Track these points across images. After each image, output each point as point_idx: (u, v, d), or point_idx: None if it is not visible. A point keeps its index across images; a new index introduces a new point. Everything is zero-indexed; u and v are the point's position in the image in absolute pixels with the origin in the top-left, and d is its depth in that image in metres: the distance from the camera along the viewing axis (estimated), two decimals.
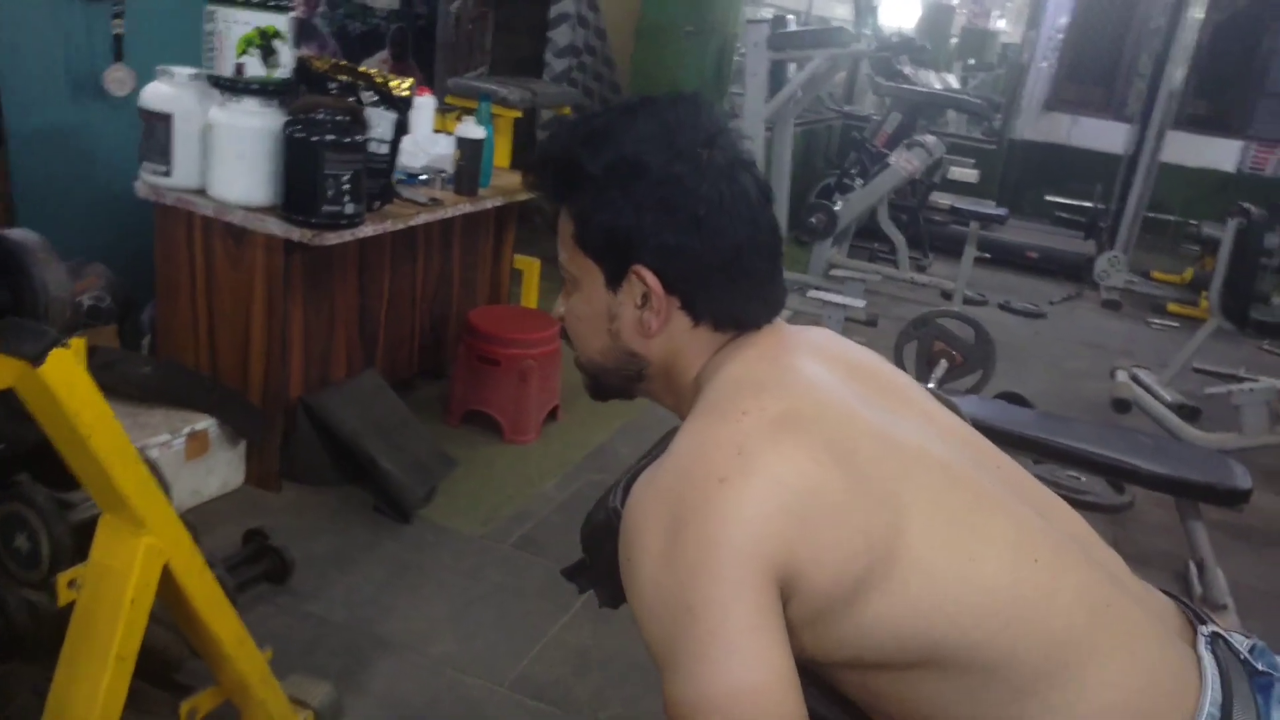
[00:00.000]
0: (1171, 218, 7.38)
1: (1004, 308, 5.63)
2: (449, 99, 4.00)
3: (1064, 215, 7.53)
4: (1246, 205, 4.09)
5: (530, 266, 3.71)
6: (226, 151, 2.32)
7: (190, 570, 1.35)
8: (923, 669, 0.77)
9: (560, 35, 5.29)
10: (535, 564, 2.40)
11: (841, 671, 0.82)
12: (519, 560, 2.42)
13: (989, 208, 5.63)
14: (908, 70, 6.67)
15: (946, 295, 5.58)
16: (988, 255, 5.90)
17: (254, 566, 2.13)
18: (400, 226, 2.55)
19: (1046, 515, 0.86)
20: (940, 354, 3.10)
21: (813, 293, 4.48)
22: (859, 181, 5.71)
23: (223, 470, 2.48)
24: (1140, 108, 6.59)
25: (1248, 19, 7.85)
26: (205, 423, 2.41)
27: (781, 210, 4.84)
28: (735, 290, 0.88)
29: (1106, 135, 7.92)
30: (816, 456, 0.76)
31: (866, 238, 6.19)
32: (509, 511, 2.62)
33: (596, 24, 5.34)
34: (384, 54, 4.46)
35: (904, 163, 5.14)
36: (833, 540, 0.74)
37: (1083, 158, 7.99)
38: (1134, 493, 3.21)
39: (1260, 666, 0.82)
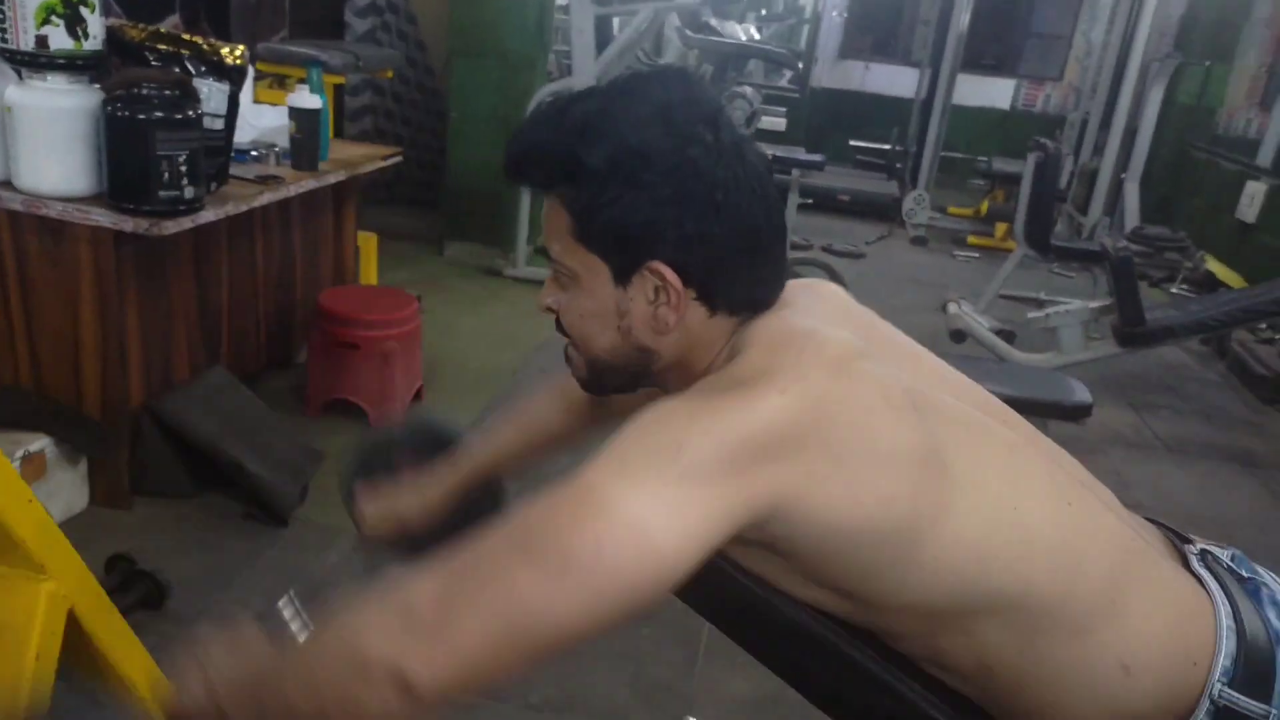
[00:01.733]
0: (959, 155, 7.89)
1: (827, 250, 5.88)
2: (260, 65, 3.70)
3: (866, 159, 7.91)
4: (1044, 140, 4.43)
5: (367, 242, 3.53)
6: (33, 136, 2.04)
7: (98, 613, 1.20)
8: (985, 616, 0.79)
9: None
10: None
11: (906, 622, 0.82)
12: None
13: (806, 155, 5.82)
14: (714, 23, 6.77)
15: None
16: (810, 201, 6.12)
17: (125, 596, 1.93)
18: (244, 209, 2.34)
19: (1059, 463, 0.89)
20: None
21: None
22: None
23: (65, 493, 2.23)
24: (929, 53, 7.00)
25: None
26: (39, 443, 2.14)
27: None
28: (753, 273, 0.84)
29: (898, 80, 8.37)
30: (869, 402, 0.76)
31: None
32: None
33: None
34: (174, 19, 4.06)
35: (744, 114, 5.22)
36: (871, 479, 0.74)
37: (878, 103, 8.42)
38: None
39: (1244, 574, 0.89)
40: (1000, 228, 6.47)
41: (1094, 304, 3.70)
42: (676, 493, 0.68)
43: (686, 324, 0.84)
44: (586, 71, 4.13)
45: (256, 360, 2.88)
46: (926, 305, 4.70)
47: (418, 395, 3.03)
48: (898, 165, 7.45)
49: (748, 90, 5.42)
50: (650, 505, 0.68)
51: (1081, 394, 2.71)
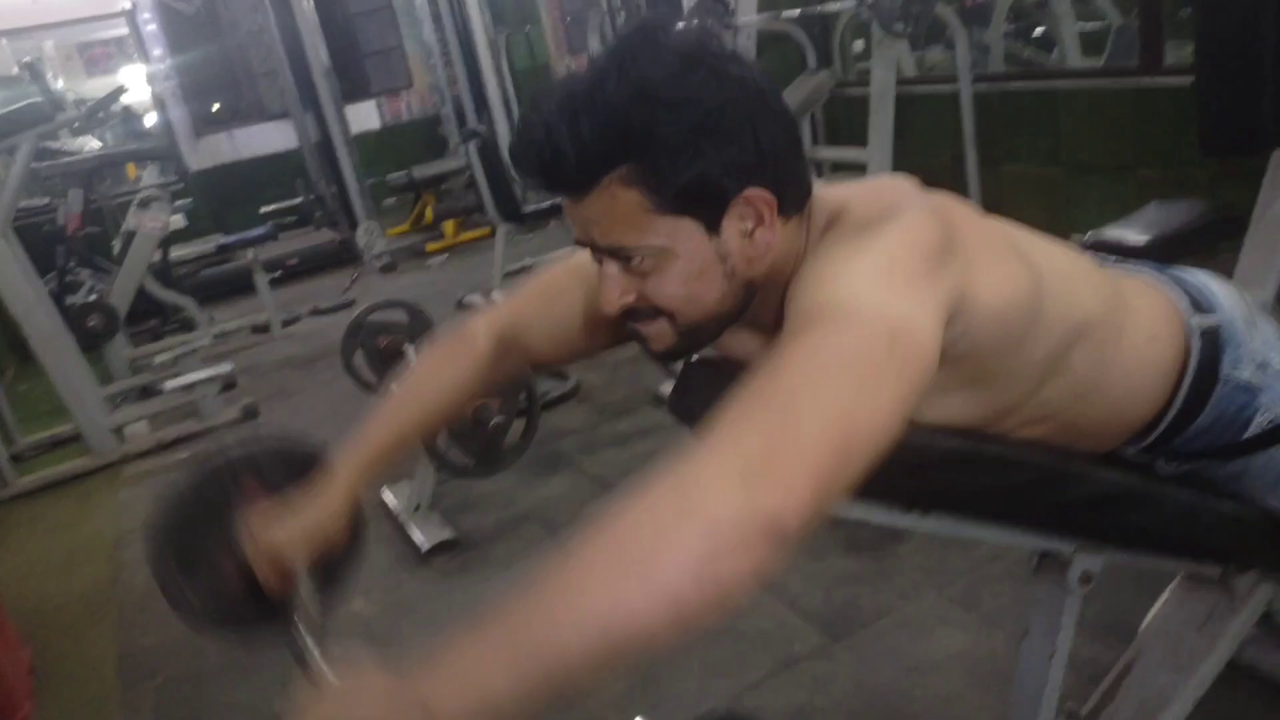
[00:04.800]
0: (370, 181, 8.00)
1: (317, 312, 5.67)
2: None
3: (286, 220, 7.67)
4: (475, 129, 4.75)
5: None
6: None
7: None
8: (1076, 346, 0.97)
9: None
10: None
11: (1024, 389, 0.97)
12: None
13: (255, 231, 5.52)
14: (57, 145, 5.98)
15: (260, 329, 5.41)
16: (277, 274, 5.82)
17: None
18: None
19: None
20: (393, 346, 3.09)
21: (169, 384, 3.99)
22: (85, 272, 5.07)
23: None
24: (295, 101, 6.93)
25: None
26: None
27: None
28: (804, 163, 0.90)
29: (270, 137, 8.19)
30: (963, 209, 0.90)
31: (136, 321, 5.57)
32: None
33: None
34: None
35: (152, 222, 4.71)
36: (1002, 265, 0.89)
37: (263, 164, 8.16)
38: (575, 375, 3.69)
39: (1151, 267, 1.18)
40: (449, 225, 6.78)
41: None
42: (914, 293, 0.77)
43: (777, 240, 0.88)
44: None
45: None
46: (445, 312, 4.81)
47: None
48: (318, 214, 7.37)
49: (152, 192, 4.88)
50: (907, 306, 0.76)
51: None
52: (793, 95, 4.47)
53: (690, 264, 0.86)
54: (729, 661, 2.05)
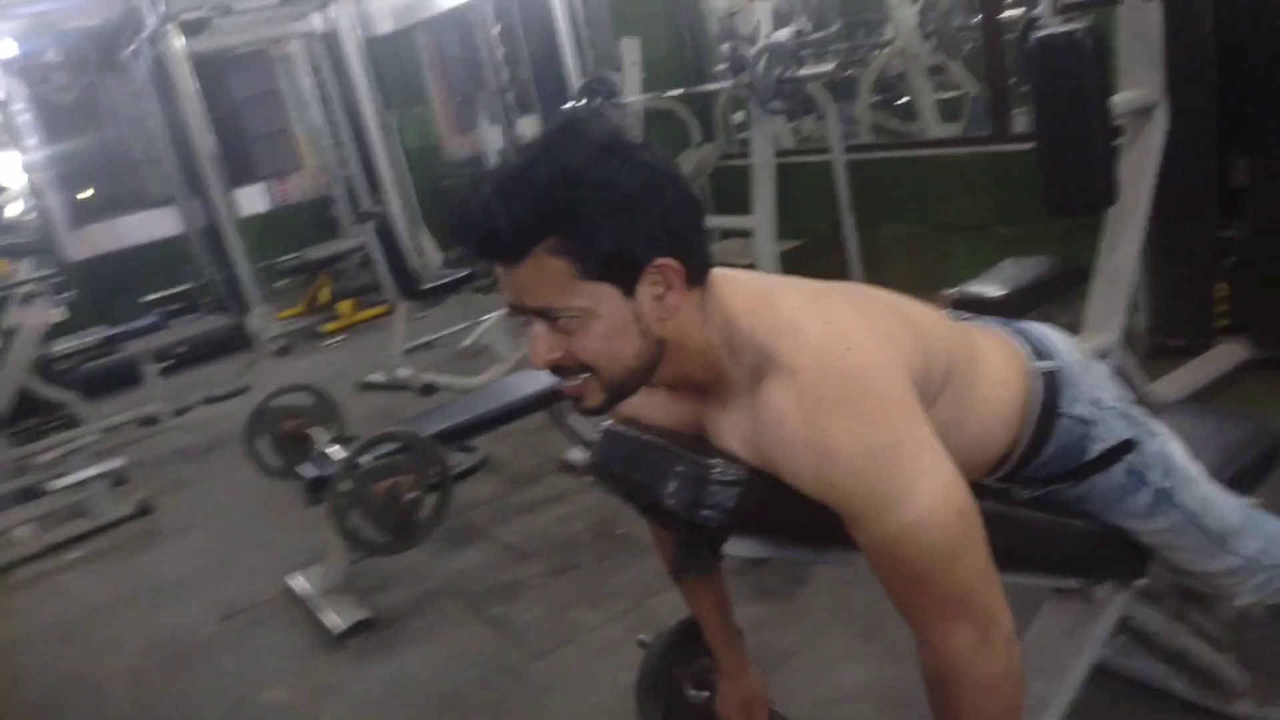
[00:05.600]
0: (260, 264, 7.90)
1: (211, 400, 5.55)
2: None
3: (172, 307, 7.50)
4: (371, 209, 4.82)
5: None
6: None
7: None
8: (944, 388, 1.11)
9: None
10: None
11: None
12: None
13: (143, 320, 5.42)
14: None
15: (149, 422, 5.27)
16: (170, 363, 5.69)
17: None
18: None
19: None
20: (298, 429, 3.09)
21: (56, 483, 3.87)
22: None
23: None
24: (178, 187, 6.85)
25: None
26: None
27: None
28: (705, 238, 1.03)
29: (154, 224, 8.04)
30: (873, 318, 1.06)
31: (15, 420, 5.35)
32: None
33: None
34: None
35: (36, 317, 4.60)
36: (920, 361, 1.05)
37: (147, 251, 8.00)
38: (480, 448, 3.73)
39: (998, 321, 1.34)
40: (346, 305, 6.77)
41: (504, 310, 4.21)
42: (926, 448, 0.98)
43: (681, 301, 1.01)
44: None
45: None
46: (347, 392, 4.78)
47: None
48: (206, 300, 7.23)
49: (35, 285, 4.75)
50: (940, 472, 0.97)
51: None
52: (681, 167, 4.70)
53: (610, 323, 0.97)
54: None
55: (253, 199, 8.51)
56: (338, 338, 6.51)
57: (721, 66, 5.36)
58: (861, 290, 1.13)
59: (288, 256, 6.99)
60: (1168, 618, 1.62)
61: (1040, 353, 1.25)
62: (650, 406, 1.16)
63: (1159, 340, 3.18)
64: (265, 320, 6.33)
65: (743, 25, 5.47)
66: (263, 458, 3.18)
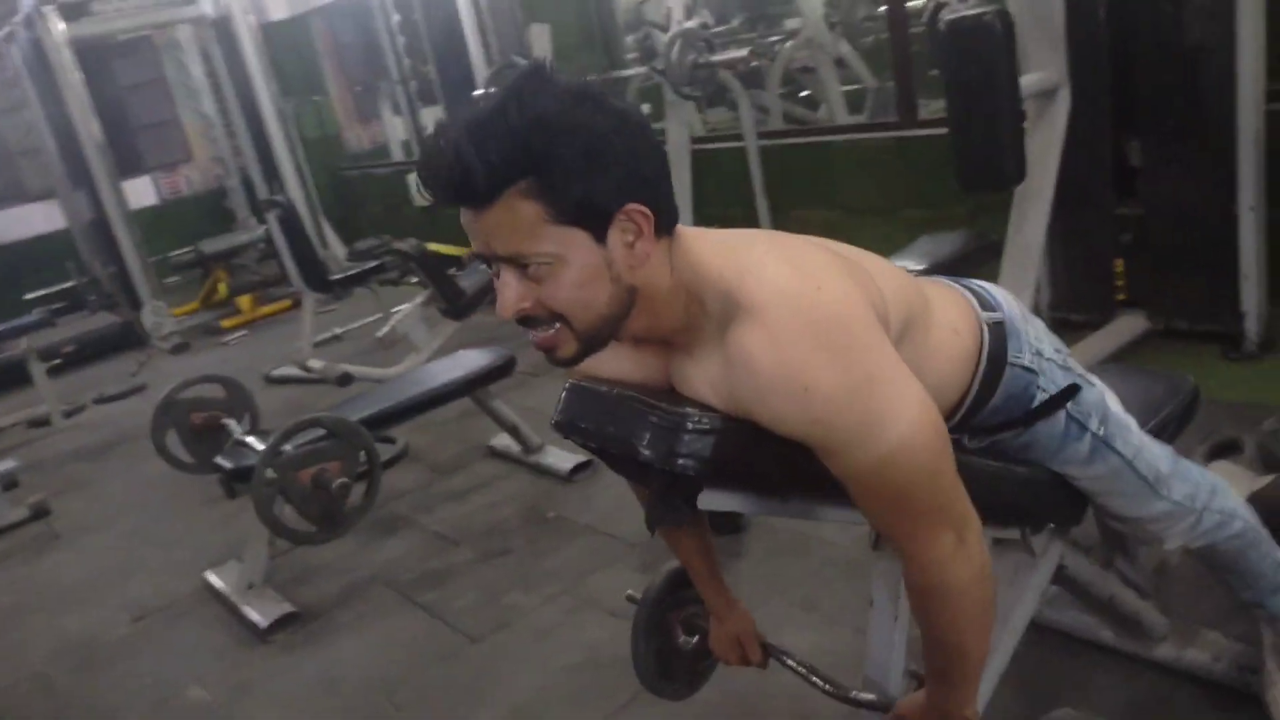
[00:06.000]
0: (152, 259, 7.56)
1: (103, 400, 5.29)
2: None
3: (56, 305, 7.10)
4: (275, 198, 4.67)
5: None
6: None
7: None
8: (904, 335, 1.13)
9: None
10: None
11: None
12: None
13: (27, 318, 5.12)
14: None
15: (39, 423, 5.00)
16: (58, 361, 5.39)
17: None
18: None
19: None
20: (209, 422, 2.95)
21: None
22: None
23: None
24: (67, 177, 6.50)
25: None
26: None
27: None
28: (670, 187, 1.02)
29: (31, 219, 7.63)
30: (837, 262, 1.06)
31: None
32: None
33: None
34: None
35: None
36: (880, 305, 1.06)
37: (27, 247, 7.57)
38: (400, 438, 3.66)
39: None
40: (244, 300, 6.54)
41: (419, 300, 4.14)
42: (899, 376, 1.00)
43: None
44: None
45: None
46: (254, 387, 4.63)
47: None
48: (93, 297, 6.89)
49: None
50: (913, 398, 1.00)
51: (501, 356, 3.15)
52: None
53: (581, 271, 0.96)
54: (592, 691, 2.12)
55: (140, 192, 8.14)
56: (238, 333, 6.28)
57: (632, 55, 5.41)
58: (823, 241, 1.15)
59: (181, 251, 6.69)
60: (1099, 568, 1.69)
61: (985, 304, 1.29)
62: (615, 362, 1.15)
63: (1062, 315, 3.34)
64: (159, 316, 6.08)
65: (651, 13, 5.49)
66: (171, 452, 3.04)
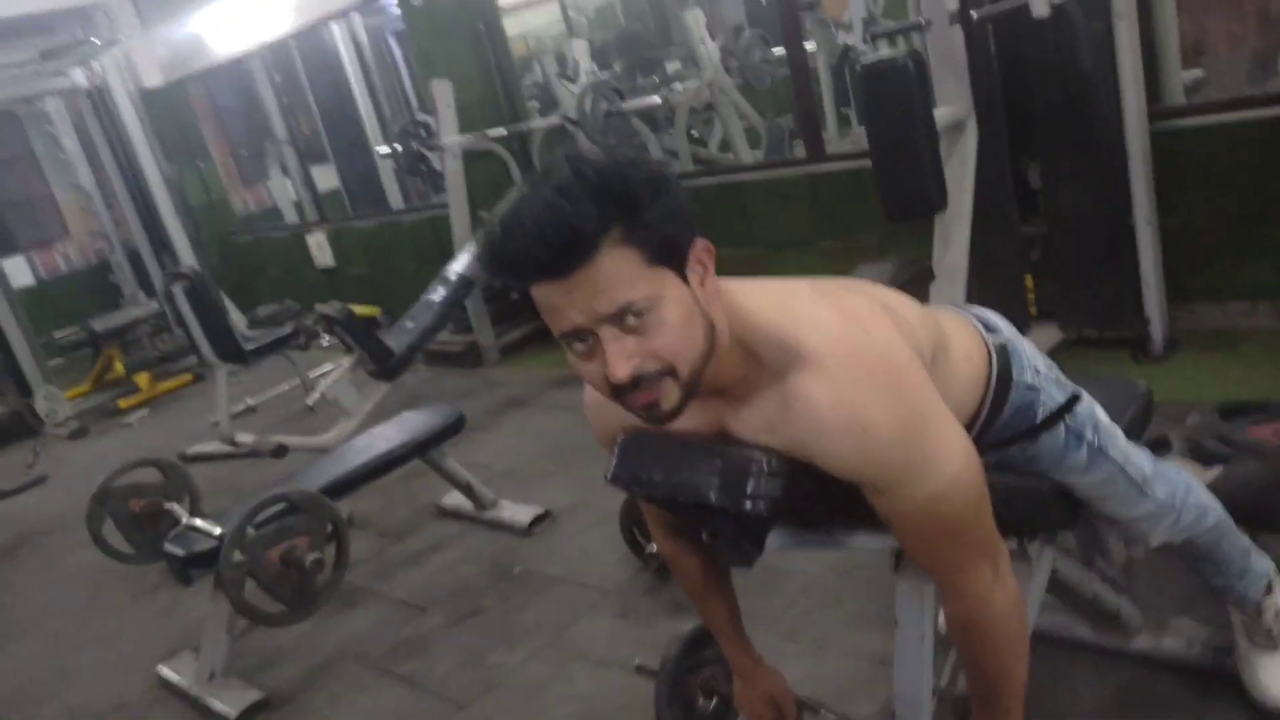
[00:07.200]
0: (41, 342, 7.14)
1: (4, 495, 4.95)
2: None
3: None
4: (182, 270, 4.51)
5: None
6: None
7: None
8: (932, 365, 1.19)
9: None
10: None
11: None
12: None
13: None
14: None
15: None
16: None
17: None
18: None
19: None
20: (148, 509, 2.81)
21: None
22: None
23: None
24: None
25: None
26: None
27: None
28: None
29: None
30: (874, 305, 1.14)
31: None
32: None
33: None
34: None
35: None
36: (913, 341, 1.13)
37: None
38: (343, 506, 3.56)
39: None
40: (142, 377, 6.25)
41: (347, 364, 4.05)
42: (946, 424, 1.09)
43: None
44: None
45: None
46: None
47: None
48: None
49: None
50: (959, 441, 1.09)
51: (452, 414, 3.12)
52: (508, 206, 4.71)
53: (679, 308, 0.99)
54: None
55: (16, 272, 7.70)
56: (139, 413, 5.99)
57: (534, 104, 5.47)
58: (851, 282, 1.22)
59: (66, 331, 6.36)
60: (1082, 568, 1.80)
61: (989, 328, 1.39)
62: None
63: None
64: (53, 402, 5.78)
65: (546, 66, 5.58)
66: (109, 544, 2.89)
